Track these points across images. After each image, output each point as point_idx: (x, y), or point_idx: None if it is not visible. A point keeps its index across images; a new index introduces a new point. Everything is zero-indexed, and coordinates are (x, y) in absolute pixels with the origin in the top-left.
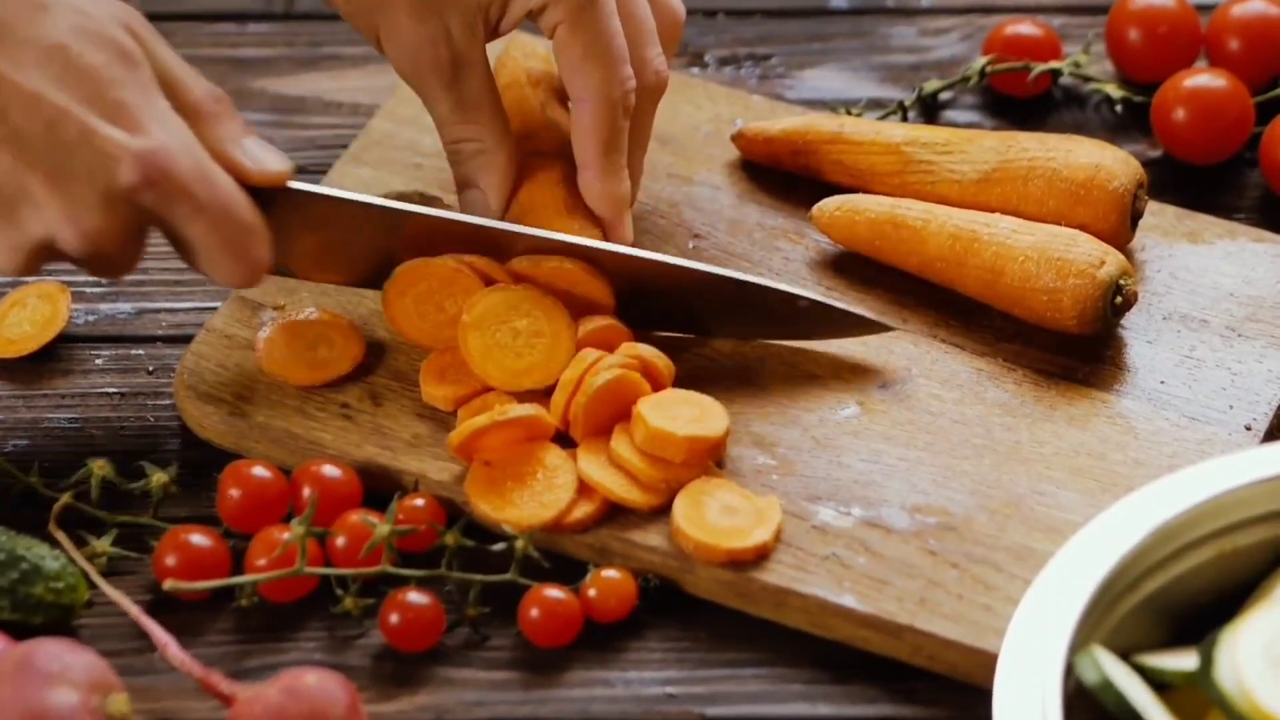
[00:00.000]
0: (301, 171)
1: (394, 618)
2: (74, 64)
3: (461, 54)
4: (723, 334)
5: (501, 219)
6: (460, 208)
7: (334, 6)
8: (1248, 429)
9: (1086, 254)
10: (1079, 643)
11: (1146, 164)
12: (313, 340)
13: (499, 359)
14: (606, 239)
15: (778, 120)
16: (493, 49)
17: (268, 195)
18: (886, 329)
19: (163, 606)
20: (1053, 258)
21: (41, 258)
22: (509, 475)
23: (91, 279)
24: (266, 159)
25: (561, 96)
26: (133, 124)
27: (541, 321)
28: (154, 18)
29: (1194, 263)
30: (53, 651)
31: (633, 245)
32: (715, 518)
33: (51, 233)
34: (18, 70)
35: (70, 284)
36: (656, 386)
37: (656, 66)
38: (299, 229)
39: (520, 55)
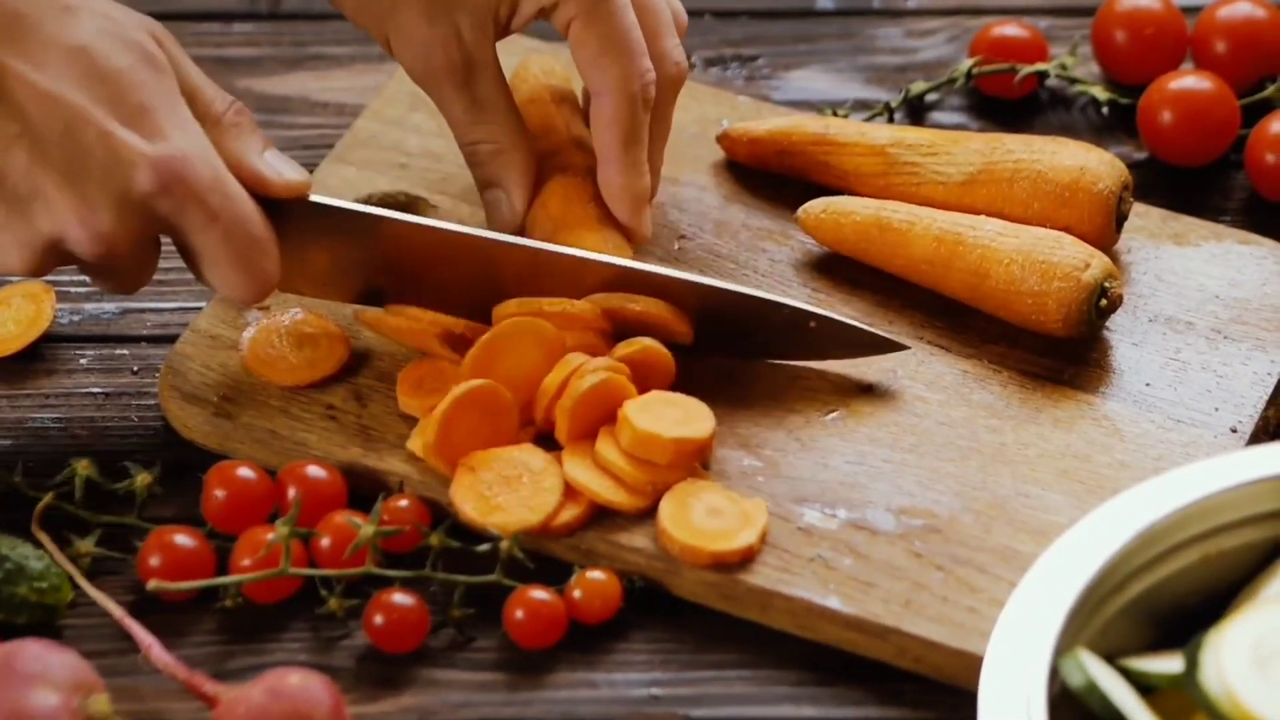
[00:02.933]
0: None
1: (379, 619)
2: (97, 66)
3: (472, 55)
4: (717, 351)
5: (524, 218)
6: (484, 209)
7: (341, 8)
8: (1233, 431)
9: (1071, 257)
10: (1064, 645)
11: (1133, 166)
12: (298, 341)
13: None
14: (627, 237)
15: (763, 121)
16: (508, 62)
17: (283, 209)
18: (901, 347)
19: (146, 607)
20: (1038, 261)
21: (52, 258)
22: (495, 479)
23: (78, 278)
24: (288, 171)
25: (585, 114)
26: (152, 129)
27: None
28: None
29: (1180, 265)
30: (33, 652)
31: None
32: (701, 520)
33: (62, 232)
34: (38, 70)
35: (54, 284)
36: (659, 380)
37: (676, 58)
38: (310, 244)
39: (540, 72)
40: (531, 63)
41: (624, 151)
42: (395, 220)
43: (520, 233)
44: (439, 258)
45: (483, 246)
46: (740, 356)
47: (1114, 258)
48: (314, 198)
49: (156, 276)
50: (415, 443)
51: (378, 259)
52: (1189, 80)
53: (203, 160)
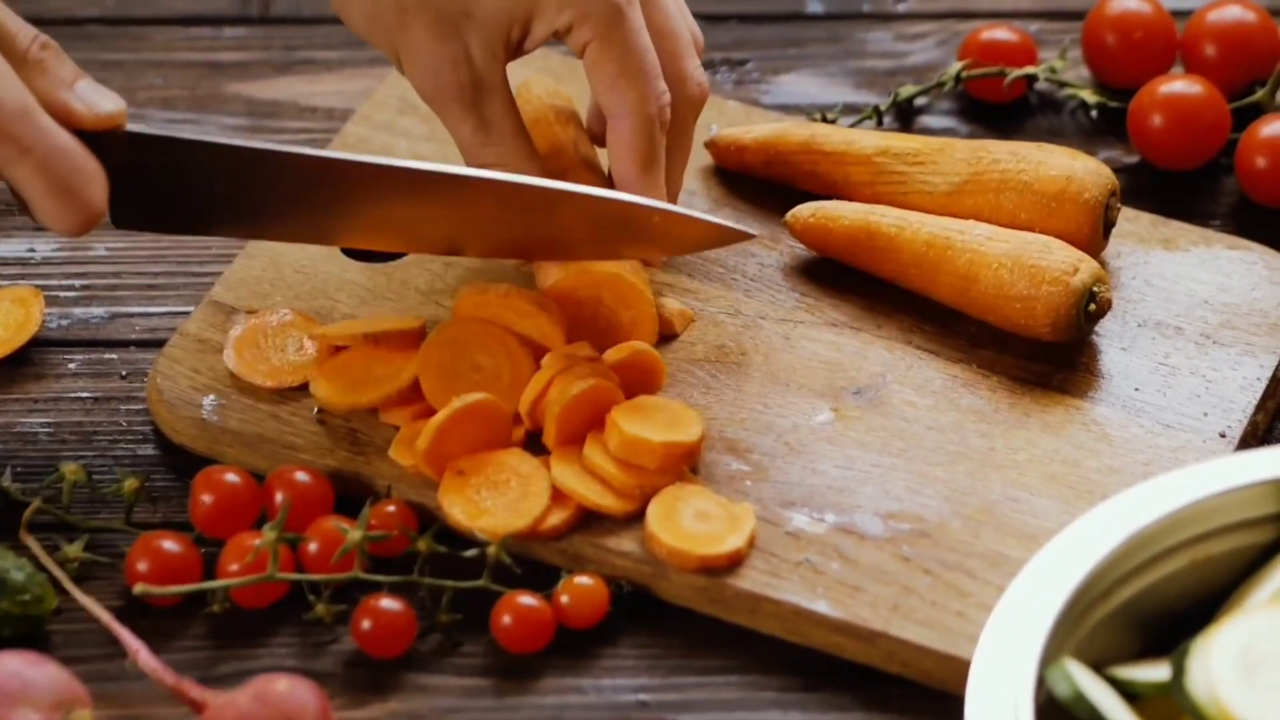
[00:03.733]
0: None
1: (366, 624)
2: None
3: (482, 76)
4: (583, 254)
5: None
6: None
7: (351, 26)
8: (1222, 436)
9: (1060, 261)
10: (1052, 651)
11: (1122, 170)
12: (284, 344)
13: (452, 387)
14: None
15: (749, 129)
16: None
17: (110, 145)
18: (748, 236)
19: (134, 612)
20: (1026, 265)
21: None
22: (483, 483)
23: (64, 283)
24: (99, 101)
25: (593, 135)
26: None
27: (504, 366)
28: (130, 21)
29: (1169, 269)
30: (13, 669)
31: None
32: (689, 524)
33: None
34: None
35: (44, 288)
36: (648, 384)
37: (698, 79)
38: (148, 178)
39: (543, 93)
40: (534, 83)
41: (641, 174)
42: (217, 145)
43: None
44: (284, 185)
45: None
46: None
47: (1103, 262)
48: (131, 127)
49: (145, 282)
50: (397, 451)
51: (219, 190)
52: (1179, 84)
53: (7, 93)
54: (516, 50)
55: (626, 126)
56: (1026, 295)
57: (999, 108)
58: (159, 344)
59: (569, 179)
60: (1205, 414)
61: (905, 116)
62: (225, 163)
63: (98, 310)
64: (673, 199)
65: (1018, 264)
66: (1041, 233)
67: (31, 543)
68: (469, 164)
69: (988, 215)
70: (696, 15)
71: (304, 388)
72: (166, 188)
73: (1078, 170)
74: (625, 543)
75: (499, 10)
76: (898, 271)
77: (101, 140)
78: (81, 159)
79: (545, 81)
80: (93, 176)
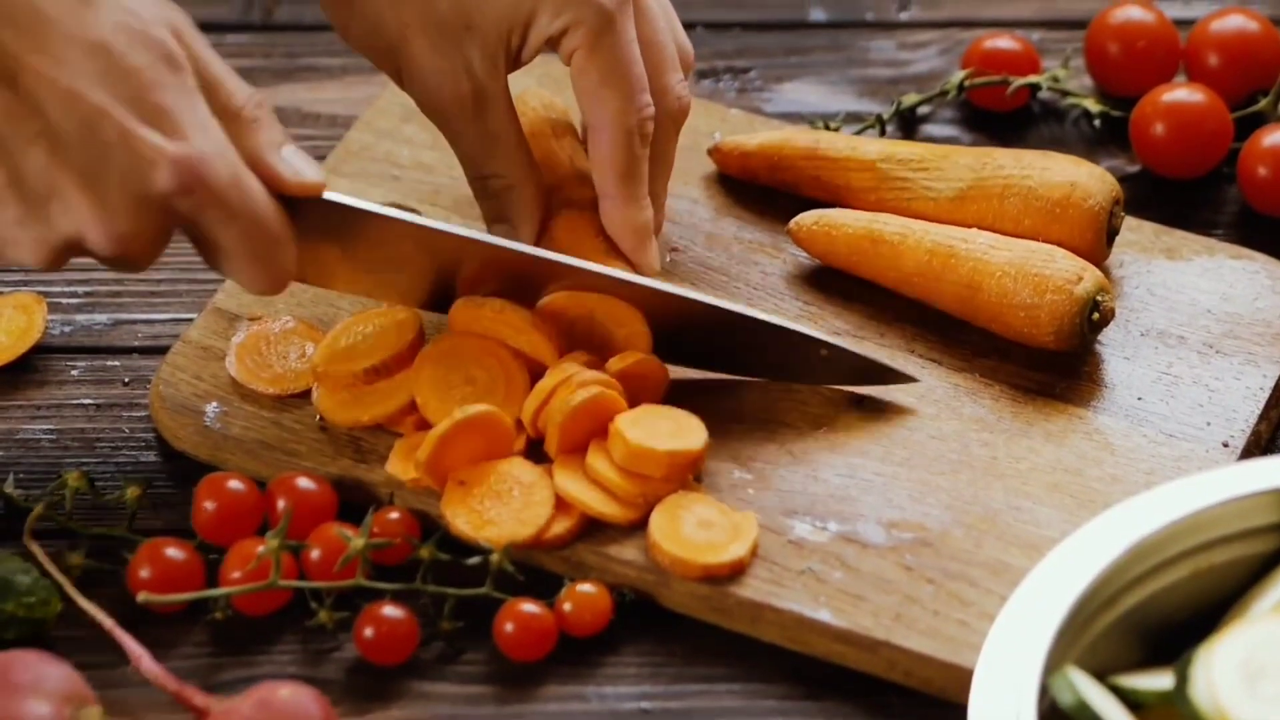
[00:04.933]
0: None
1: (368, 631)
2: (117, 64)
3: (483, 87)
4: (730, 371)
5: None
6: None
7: (349, 41)
8: (1225, 446)
9: (1064, 270)
10: (1054, 660)
11: (1125, 179)
12: (286, 351)
13: (448, 399)
14: (632, 269)
15: (753, 135)
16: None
17: (298, 203)
18: (910, 379)
19: (137, 619)
20: (1030, 273)
21: (68, 254)
22: (486, 493)
23: (66, 290)
24: (304, 169)
25: (585, 145)
26: (172, 128)
27: (499, 380)
28: None
29: (1172, 279)
30: (28, 662)
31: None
32: (691, 532)
33: (80, 233)
34: (57, 66)
35: (46, 295)
36: (651, 393)
37: (679, 93)
38: (329, 240)
39: (540, 106)
40: (530, 96)
41: (622, 186)
42: (402, 222)
43: None
44: (446, 260)
45: (482, 250)
46: (710, 369)
47: (1106, 272)
48: (329, 196)
49: (148, 289)
50: (395, 463)
51: (396, 261)
52: (1181, 93)
53: (222, 160)
54: (516, 60)
55: (607, 138)
56: (1030, 304)
57: (1002, 117)
58: (162, 351)
59: (563, 193)
60: (1208, 423)
61: (908, 125)
62: (403, 238)
63: (100, 317)
64: (657, 213)
65: (1021, 272)
66: (1045, 239)
67: (35, 549)
68: (470, 175)
69: (991, 221)
70: (700, 23)
71: (306, 394)
72: (343, 250)
73: (1082, 177)
74: (628, 551)
75: (499, 19)
76: (901, 279)
77: (295, 203)
78: (281, 228)
79: (541, 94)
80: (287, 244)
